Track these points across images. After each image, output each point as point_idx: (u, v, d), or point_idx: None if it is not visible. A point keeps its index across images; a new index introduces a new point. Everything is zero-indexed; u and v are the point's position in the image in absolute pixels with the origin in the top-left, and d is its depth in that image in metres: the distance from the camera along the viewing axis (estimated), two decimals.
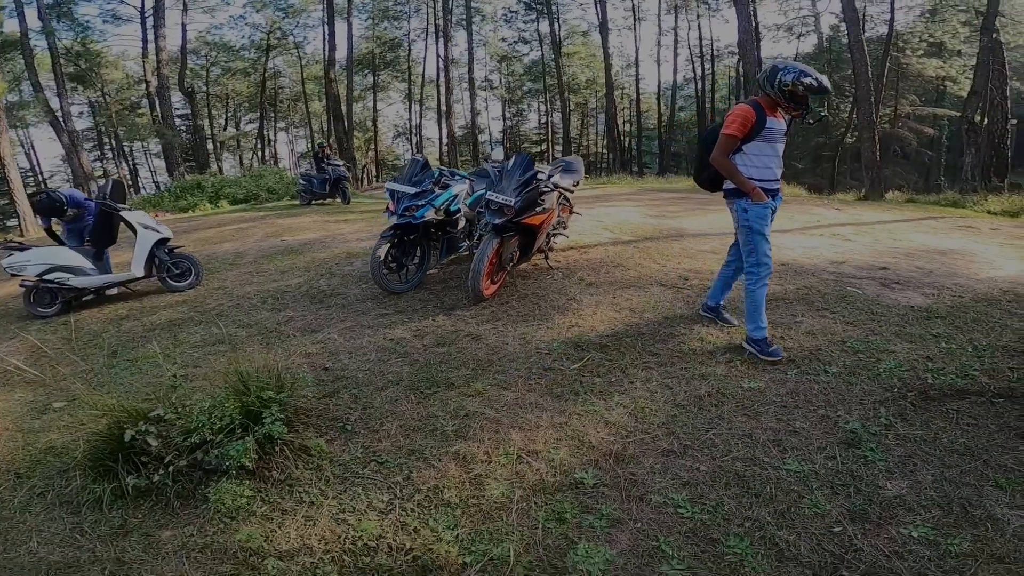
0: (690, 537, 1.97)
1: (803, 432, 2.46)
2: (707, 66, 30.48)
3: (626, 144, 32.50)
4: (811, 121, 3.06)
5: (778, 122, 3.03)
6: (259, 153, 33.45)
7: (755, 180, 3.04)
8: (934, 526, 1.94)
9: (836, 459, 2.29)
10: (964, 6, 20.54)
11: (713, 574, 1.82)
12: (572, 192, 4.92)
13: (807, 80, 2.89)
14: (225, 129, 34.40)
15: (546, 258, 4.77)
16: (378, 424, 2.69)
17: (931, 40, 23.31)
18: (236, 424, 2.36)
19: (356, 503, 2.18)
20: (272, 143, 35.43)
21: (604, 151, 32.86)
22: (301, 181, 12.55)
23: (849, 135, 21.88)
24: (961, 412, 2.53)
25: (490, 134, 37.34)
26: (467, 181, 5.01)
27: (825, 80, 2.94)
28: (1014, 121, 16.74)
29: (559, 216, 4.85)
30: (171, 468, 2.24)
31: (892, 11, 21.52)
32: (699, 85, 30.30)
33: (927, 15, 23.47)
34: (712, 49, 30.55)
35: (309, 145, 34.00)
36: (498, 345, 3.45)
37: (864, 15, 22.47)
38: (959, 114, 17.80)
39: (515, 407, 2.77)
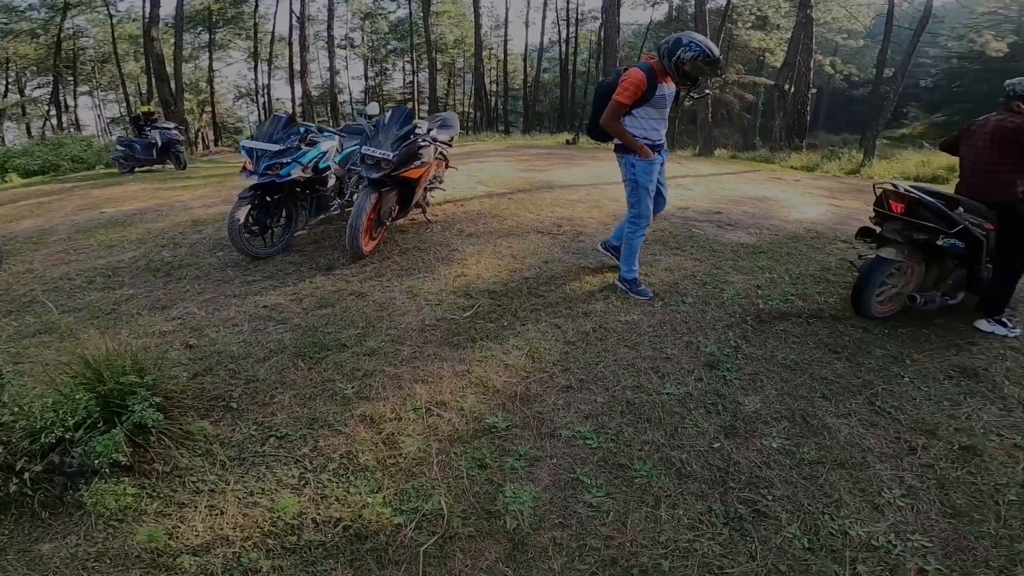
0: (602, 466, 2.20)
1: (675, 358, 2.86)
2: (571, 29, 31.30)
3: (493, 104, 32.56)
4: (695, 96, 3.24)
5: (668, 88, 3.15)
6: (53, 121, 27.67)
7: (644, 139, 3.20)
8: (787, 436, 2.40)
9: (703, 380, 2.71)
10: None
11: (628, 496, 2.08)
12: (449, 147, 4.90)
13: (706, 59, 2.96)
14: (5, 96, 27.65)
15: (424, 212, 4.75)
16: (268, 397, 2.54)
17: (759, 13, 26.09)
18: (96, 417, 2.08)
19: (263, 483, 2.07)
20: (71, 109, 29.48)
21: (472, 110, 32.60)
22: (119, 147, 10.64)
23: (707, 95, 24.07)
24: (787, 332, 3.14)
25: (350, 93, 34.89)
26: (336, 137, 4.72)
27: (719, 56, 3.05)
28: (814, 90, 19.88)
29: (435, 171, 4.82)
30: (26, 475, 1.91)
31: None
32: (563, 48, 31.16)
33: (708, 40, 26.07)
34: (577, 13, 31.35)
35: (123, 110, 28.81)
36: (386, 301, 3.42)
37: None
38: (773, 82, 20.55)
39: (414, 361, 2.78)
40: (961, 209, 2.97)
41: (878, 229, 3.15)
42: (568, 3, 30.66)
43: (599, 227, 4.65)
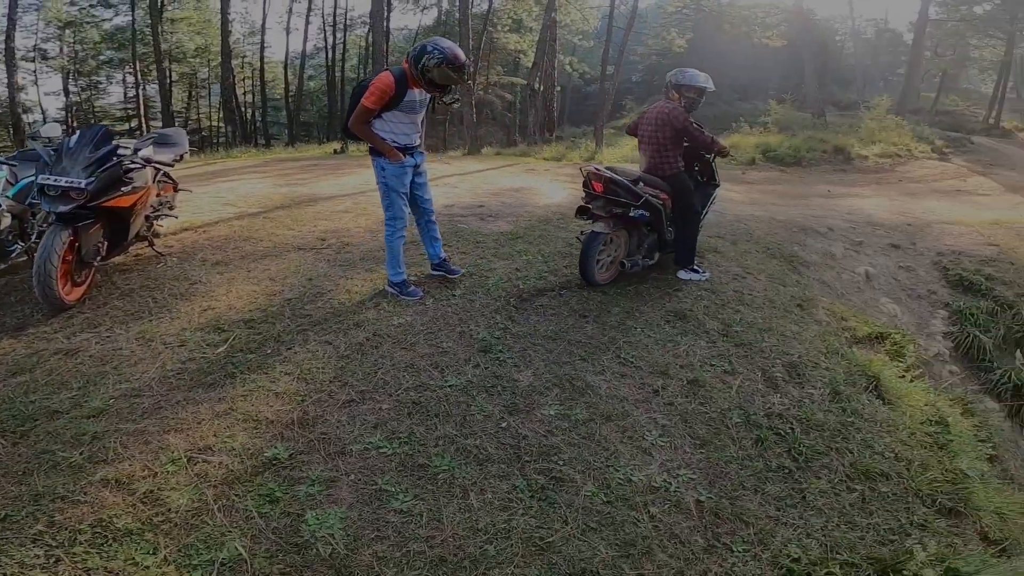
0: (402, 470, 2.17)
1: (451, 351, 2.94)
2: (339, 35, 29.80)
3: (248, 115, 29.37)
4: (447, 102, 3.23)
5: (420, 94, 3.16)
6: None
7: (393, 143, 3.18)
8: (560, 402, 2.64)
9: (480, 366, 2.83)
10: None
11: (436, 494, 2.09)
12: (172, 167, 4.23)
13: (451, 65, 2.95)
14: None
15: (151, 245, 4.00)
16: None
17: (514, 17, 28.37)
18: None
19: (4, 570, 1.64)
20: None
21: (221, 124, 28.77)
22: None
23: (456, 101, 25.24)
24: (545, 306, 3.47)
25: (43, 112, 27.71)
26: (4, 167, 3.70)
27: (467, 67, 3.07)
28: (559, 88, 22.51)
29: (160, 196, 4.12)
30: None
31: None
32: (330, 54, 29.52)
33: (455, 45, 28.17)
34: (345, 19, 29.85)
35: None
36: (108, 353, 2.83)
37: None
38: (526, 82, 22.68)
39: (159, 411, 2.42)
40: (642, 184, 3.59)
41: (590, 207, 3.60)
42: (335, 9, 29.12)
43: (367, 236, 4.55)
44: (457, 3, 16.55)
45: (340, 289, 3.57)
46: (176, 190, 4.46)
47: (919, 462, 2.76)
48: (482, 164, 10.13)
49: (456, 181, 7.48)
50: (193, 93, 31.12)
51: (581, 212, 3.63)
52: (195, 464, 2.14)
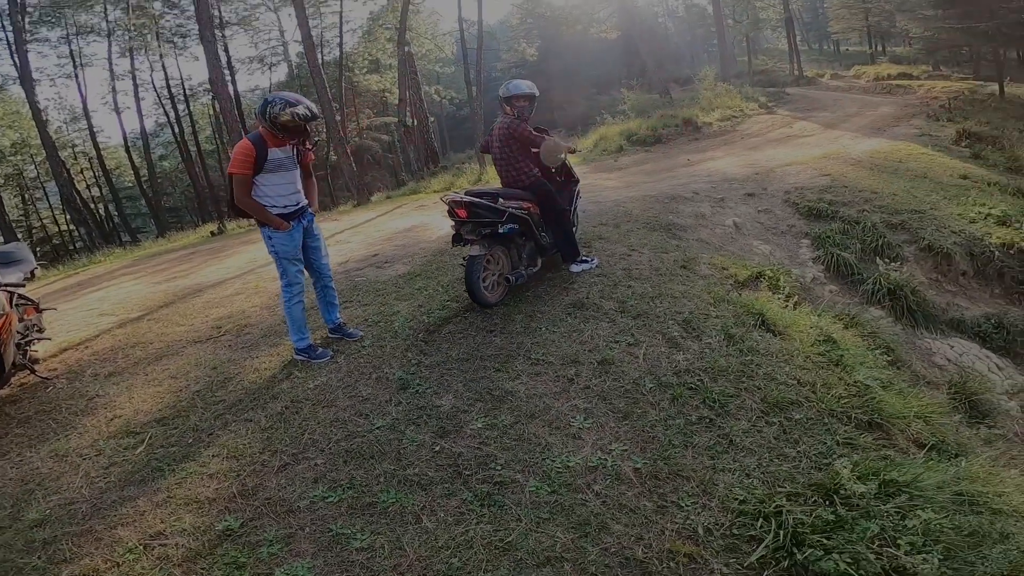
0: (353, 512, 2.24)
1: (371, 396, 2.99)
2: (181, 107, 27.88)
3: (101, 212, 26.96)
4: (309, 147, 3.24)
5: (283, 151, 3.14)
6: None
7: (275, 209, 3.16)
8: (485, 414, 2.74)
9: (402, 403, 2.90)
10: (388, 24, 24.87)
11: (392, 525, 2.17)
12: (24, 287, 3.87)
13: (291, 110, 2.99)
14: None
15: (33, 372, 3.68)
16: None
17: (370, 58, 28.28)
18: None
19: None
20: None
21: (72, 227, 26.05)
22: None
23: (332, 152, 24.87)
24: (453, 333, 3.56)
25: None
26: None
27: (312, 107, 3.10)
28: (432, 118, 22.84)
29: (25, 320, 3.77)
30: None
31: (341, 35, 24.92)
32: (177, 128, 27.55)
33: (365, 36, 27.69)
34: (184, 89, 27.91)
35: None
36: (27, 474, 2.77)
37: (321, 40, 25.22)
38: (398, 119, 22.82)
39: (99, 513, 2.42)
40: (501, 200, 3.65)
41: (461, 233, 3.62)
42: (169, 81, 27.00)
43: (264, 313, 4.41)
44: (305, 55, 16.28)
45: (248, 370, 3.46)
46: (39, 310, 4.09)
47: (821, 383, 3.07)
48: (373, 212, 10.08)
49: (348, 236, 7.40)
50: (27, 196, 27.98)
51: (456, 240, 3.67)
52: (152, 550, 2.17)
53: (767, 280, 4.35)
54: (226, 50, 23.51)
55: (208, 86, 25.03)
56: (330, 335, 3.70)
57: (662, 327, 3.36)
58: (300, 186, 3.32)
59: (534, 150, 4.03)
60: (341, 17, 24.45)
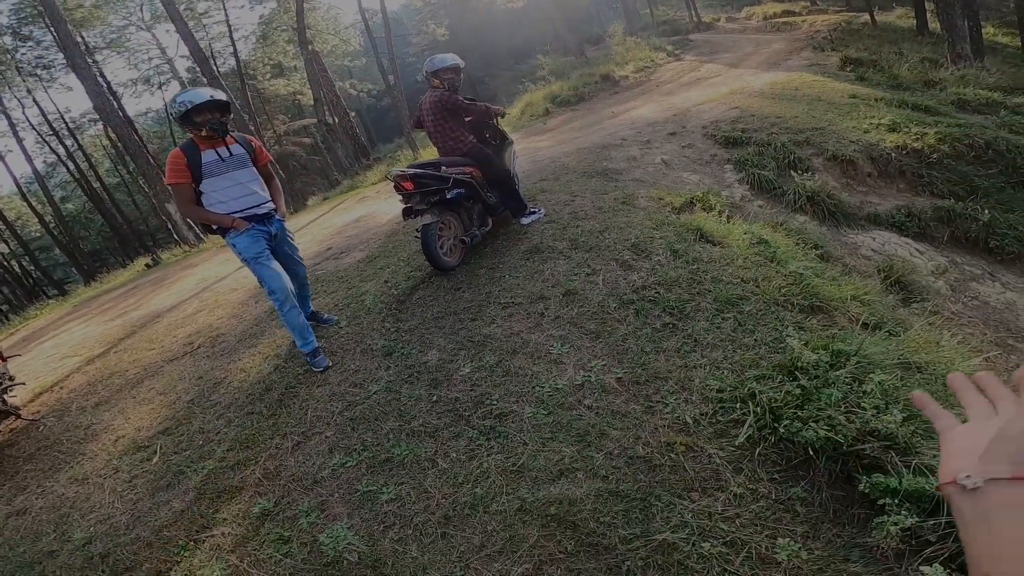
0: (373, 471, 2.47)
1: (361, 368, 3.17)
2: (69, 142, 25.69)
3: (16, 268, 24.95)
4: (220, 135, 3.00)
5: (219, 151, 2.99)
6: None
7: (234, 212, 3.03)
8: (470, 359, 2.97)
9: (391, 367, 3.09)
10: (285, 26, 23.86)
11: (411, 473, 2.40)
12: None
13: (187, 98, 2.86)
14: None
15: (19, 416, 3.73)
16: None
17: (272, 63, 26.96)
18: None
19: None
20: None
21: None
22: None
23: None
24: (424, 297, 3.74)
25: None
26: None
27: (215, 93, 2.90)
28: (353, 113, 22.27)
29: None
30: None
31: (233, 44, 23.49)
32: (72, 164, 25.42)
33: (261, 41, 26.42)
34: (67, 122, 25.64)
35: None
36: (56, 501, 2.89)
37: (212, 52, 23.79)
38: (318, 120, 22.17)
39: (139, 521, 2.59)
40: (444, 167, 3.80)
41: (411, 206, 3.73)
42: (45, 116, 24.38)
43: (233, 322, 4.45)
44: (199, 69, 15.49)
45: (234, 372, 3.55)
46: (4, 359, 3.99)
47: (762, 277, 3.43)
48: (313, 214, 9.94)
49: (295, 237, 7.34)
50: None
51: (407, 214, 3.77)
52: (203, 543, 2.32)
53: (700, 203, 4.74)
54: (103, 75, 21.79)
55: (94, 115, 23.24)
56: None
57: (614, 254, 3.67)
58: (258, 187, 3.15)
59: (468, 118, 4.19)
60: (229, 26, 23.20)
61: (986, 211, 5.65)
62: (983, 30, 13.01)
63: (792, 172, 5.97)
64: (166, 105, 27.39)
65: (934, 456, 1.84)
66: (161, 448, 3.03)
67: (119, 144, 17.77)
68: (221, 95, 2.92)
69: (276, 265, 3.17)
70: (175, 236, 13.67)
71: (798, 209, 5.57)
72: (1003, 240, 5.51)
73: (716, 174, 6.11)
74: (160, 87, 27.60)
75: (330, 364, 3.29)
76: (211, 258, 8.38)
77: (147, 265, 11.61)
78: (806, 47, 14.01)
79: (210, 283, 6.21)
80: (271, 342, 3.79)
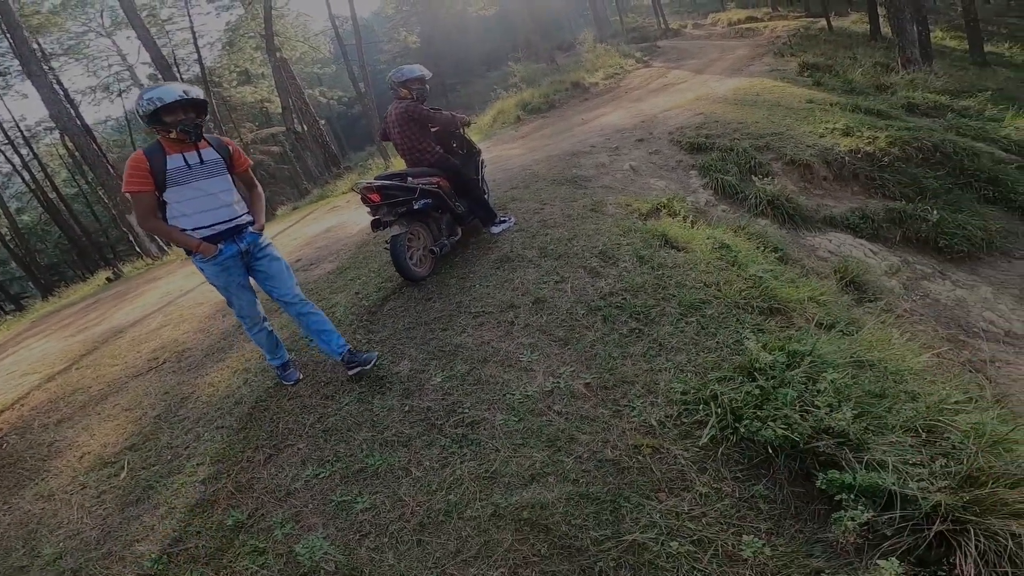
0: (347, 481, 2.45)
1: (332, 380, 3.16)
2: (25, 151, 24.57)
3: None
4: (193, 139, 2.61)
5: (186, 157, 2.59)
6: None
7: (198, 231, 2.64)
8: (442, 368, 2.99)
9: (363, 378, 3.07)
10: (252, 33, 23.24)
11: (384, 483, 2.40)
12: None
13: (159, 97, 2.47)
14: None
15: None
16: None
17: (238, 70, 26.34)
18: None
19: None
20: None
21: None
22: None
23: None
24: (394, 308, 3.74)
25: None
26: None
27: (189, 88, 2.54)
28: (323, 121, 22.00)
29: None
30: None
31: (198, 50, 22.94)
32: (28, 175, 24.31)
33: (227, 48, 25.69)
34: (22, 130, 24.48)
35: None
36: (23, 517, 2.83)
37: (175, 59, 23.17)
38: (286, 128, 21.81)
39: (109, 536, 2.55)
40: (411, 179, 3.80)
41: (379, 218, 3.71)
42: (1, 124, 23.64)
43: (199, 336, 4.37)
44: (160, 76, 15.08)
45: (202, 387, 3.49)
46: None
47: (724, 281, 3.55)
48: (282, 224, 9.81)
49: None
50: None
51: (375, 226, 3.75)
52: (177, 556, 2.31)
53: (666, 209, 4.87)
54: (59, 83, 21.00)
55: (51, 124, 22.22)
56: (348, 371, 3.06)
57: (582, 262, 3.74)
58: (232, 199, 2.75)
59: (434, 128, 4.21)
60: (194, 32, 22.71)
61: (935, 212, 5.94)
62: (932, 34, 13.64)
63: (753, 177, 6.16)
64: (126, 113, 26.65)
65: (884, 452, 1.94)
66: (129, 464, 2.97)
67: (77, 153, 17.16)
68: (197, 92, 2.54)
69: (247, 295, 2.90)
70: (137, 248, 13.28)
71: (759, 213, 5.76)
72: (952, 239, 5.80)
73: (682, 180, 6.27)
74: (120, 94, 26.74)
75: (300, 377, 3.23)
76: (175, 271, 8.18)
77: (108, 279, 11.24)
78: (767, 53, 14.49)
79: (174, 297, 6.07)
80: (239, 356, 3.74)
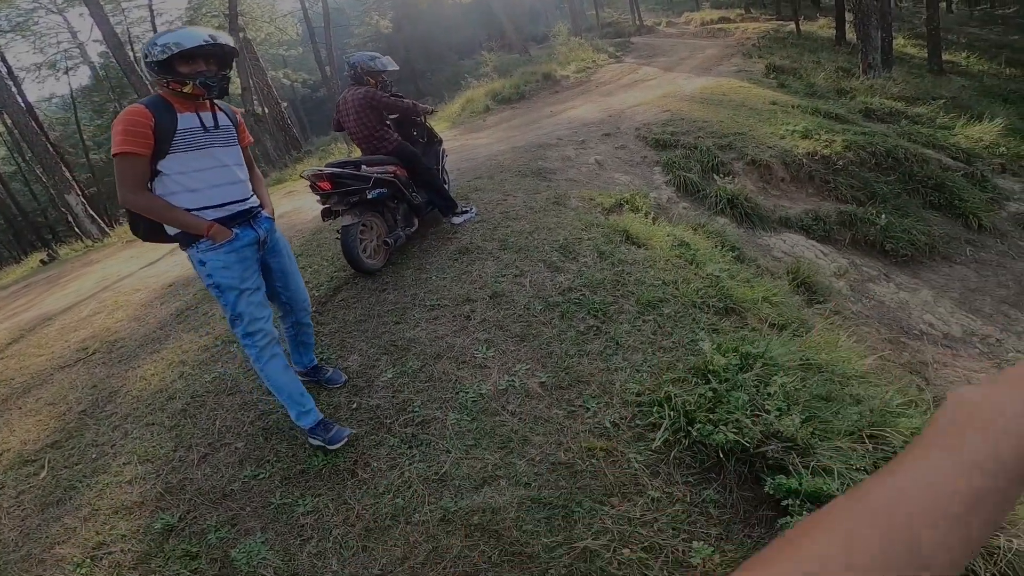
0: (287, 483, 2.35)
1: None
2: None
3: None
4: (215, 95, 2.12)
5: (201, 117, 2.10)
6: None
7: (207, 211, 2.11)
8: (393, 365, 2.85)
9: (308, 376, 2.86)
10: (215, 12, 22.28)
11: (329, 486, 2.30)
12: None
13: (177, 42, 1.99)
14: None
15: None
16: None
17: None
18: None
19: None
20: None
21: None
22: None
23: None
24: (346, 299, 3.58)
25: None
26: None
27: (215, 35, 2.06)
28: (285, 104, 21.23)
29: None
30: None
31: (155, 29, 21.58)
32: None
33: (187, 26, 24.46)
34: None
35: None
36: None
37: (130, 37, 21.81)
38: (245, 109, 20.91)
39: (29, 537, 2.41)
40: (365, 167, 3.61)
41: (329, 206, 3.55)
42: None
43: (134, 325, 4.11)
44: (112, 53, 14.23)
45: (132, 380, 3.27)
46: None
47: (682, 279, 3.52)
48: None
49: None
50: None
51: (326, 215, 3.59)
52: (100, 560, 2.18)
53: (628, 204, 4.84)
54: (3, 59, 19.59)
55: None
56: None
57: (542, 256, 3.66)
58: (246, 175, 2.27)
59: (393, 116, 4.05)
60: (152, 10, 21.47)
61: (883, 216, 6.13)
62: (894, 41, 14.13)
63: (715, 175, 6.22)
64: (72, 91, 25.08)
65: (830, 457, 1.94)
66: (50, 462, 2.78)
67: (15, 131, 16.00)
68: (226, 38, 2.06)
69: (263, 299, 2.29)
70: (76, 229, 12.49)
71: (719, 211, 5.82)
72: (897, 243, 6.00)
73: (646, 175, 6.28)
74: (67, 72, 25.12)
75: (354, 432, 2.47)
76: (115, 254, 7.72)
77: (42, 261, 10.54)
78: (736, 53, 14.73)
79: (111, 282, 5.70)
80: (176, 347, 3.52)
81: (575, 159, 6.19)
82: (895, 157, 7.24)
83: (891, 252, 5.99)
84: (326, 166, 3.57)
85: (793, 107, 8.72)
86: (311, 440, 2.44)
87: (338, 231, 3.64)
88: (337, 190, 3.46)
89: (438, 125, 12.15)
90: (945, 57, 14.84)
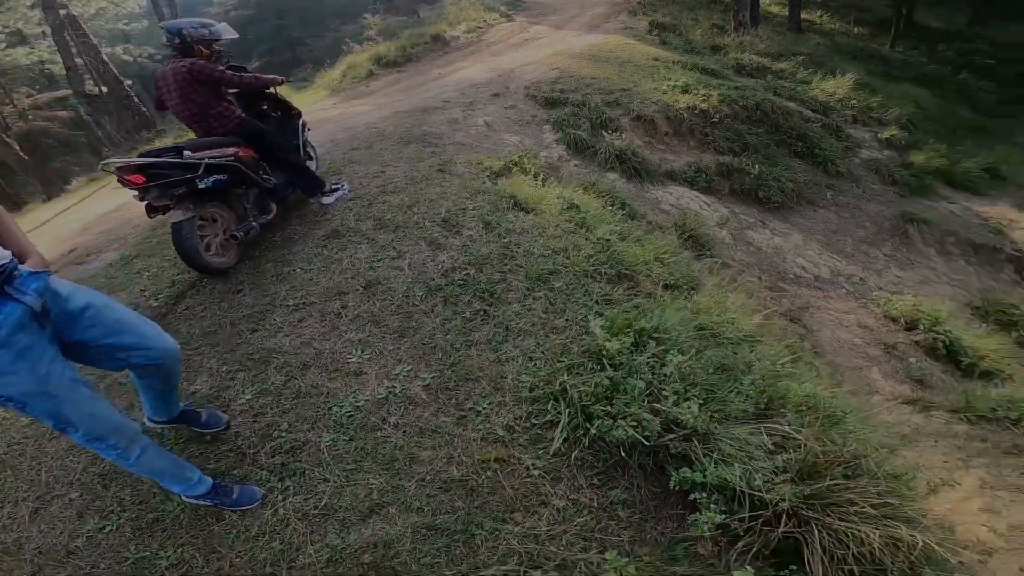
0: (140, 533, 2.00)
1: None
2: None
3: None
4: None
5: None
6: None
7: None
8: (251, 383, 2.46)
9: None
10: None
11: (191, 534, 1.96)
12: None
13: None
14: None
15: None
16: None
17: (10, 30, 21.23)
18: None
19: None
20: None
21: None
22: None
23: None
24: (192, 307, 3.04)
25: None
26: None
27: None
28: (129, 82, 18.40)
29: None
30: None
31: None
32: None
33: None
34: None
35: None
36: None
37: None
38: (74, 91, 18.00)
39: None
40: (188, 152, 2.94)
41: (150, 202, 2.90)
42: None
43: None
44: None
45: None
46: None
47: (572, 247, 3.30)
48: (68, 202, 7.97)
49: (33, 238, 5.69)
50: None
51: (150, 212, 2.95)
52: None
53: (517, 166, 4.56)
54: None
55: None
56: (157, 425, 2.23)
57: (423, 233, 3.28)
58: None
59: (232, 90, 3.39)
60: None
61: (756, 166, 6.44)
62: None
63: (604, 132, 6.15)
64: None
65: (730, 443, 1.83)
66: None
67: None
68: None
69: (86, 392, 1.65)
70: None
71: (609, 168, 5.76)
72: (769, 191, 6.36)
73: (536, 135, 6.03)
74: None
75: (265, 492, 2.05)
76: None
77: None
78: (623, 11, 14.77)
79: None
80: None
81: (463, 122, 5.78)
82: (763, 110, 7.61)
83: (764, 200, 6.31)
84: (138, 155, 2.87)
85: (673, 63, 8.85)
86: (205, 503, 2.02)
87: (170, 231, 3.00)
88: (154, 183, 2.79)
89: (316, 94, 11.09)
90: (803, 16, 15.92)
